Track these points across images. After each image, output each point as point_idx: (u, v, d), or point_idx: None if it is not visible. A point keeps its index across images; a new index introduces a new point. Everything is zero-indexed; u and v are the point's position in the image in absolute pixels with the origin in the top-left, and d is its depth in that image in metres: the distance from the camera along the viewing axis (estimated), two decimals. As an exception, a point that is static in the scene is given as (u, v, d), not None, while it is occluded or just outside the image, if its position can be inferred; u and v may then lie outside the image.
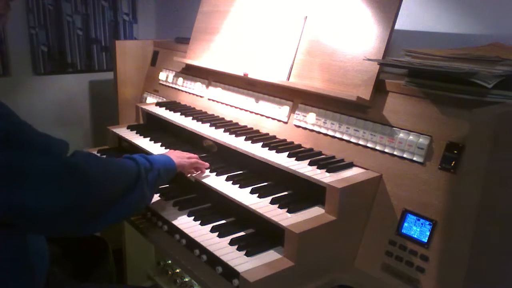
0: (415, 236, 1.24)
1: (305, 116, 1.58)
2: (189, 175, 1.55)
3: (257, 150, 1.51)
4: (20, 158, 0.98)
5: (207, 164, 1.57)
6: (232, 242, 1.30)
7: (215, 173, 1.53)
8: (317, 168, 1.37)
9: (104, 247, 1.76)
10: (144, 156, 1.38)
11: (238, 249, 1.26)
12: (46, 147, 1.03)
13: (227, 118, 1.88)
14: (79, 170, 1.08)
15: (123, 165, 1.29)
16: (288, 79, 1.64)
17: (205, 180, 1.50)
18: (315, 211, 1.30)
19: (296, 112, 1.62)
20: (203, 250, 1.28)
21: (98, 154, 1.93)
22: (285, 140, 1.62)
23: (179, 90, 2.22)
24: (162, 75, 2.35)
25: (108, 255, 1.75)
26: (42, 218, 1.05)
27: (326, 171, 1.35)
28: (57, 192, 1.04)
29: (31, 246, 1.17)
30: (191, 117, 1.87)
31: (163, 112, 1.99)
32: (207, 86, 2.06)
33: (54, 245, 1.44)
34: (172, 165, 1.46)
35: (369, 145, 1.39)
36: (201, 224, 1.41)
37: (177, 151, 1.60)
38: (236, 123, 1.82)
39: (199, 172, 1.55)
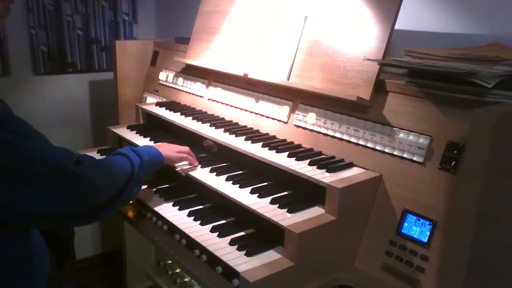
0: (415, 236, 1.24)
1: (305, 116, 1.58)
2: (178, 169, 1.58)
3: (257, 150, 1.51)
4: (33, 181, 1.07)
5: (196, 162, 1.60)
6: (232, 242, 1.30)
7: (215, 173, 1.53)
8: (317, 168, 1.37)
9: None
10: (133, 150, 1.43)
11: (238, 249, 1.27)
12: (58, 165, 1.10)
13: (227, 118, 1.88)
14: (86, 181, 1.16)
15: (121, 169, 1.33)
16: (288, 79, 1.64)
17: (205, 180, 1.50)
18: (315, 211, 1.30)
19: (296, 112, 1.62)
20: (203, 250, 1.28)
21: (98, 154, 1.94)
22: (285, 140, 1.62)
23: (179, 90, 2.22)
24: (162, 75, 2.35)
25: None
26: (44, 218, 1.13)
27: (326, 171, 1.35)
28: (62, 199, 1.12)
29: (34, 249, 1.21)
30: (191, 117, 1.87)
31: (163, 112, 1.99)
32: (207, 86, 2.06)
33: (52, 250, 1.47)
34: (159, 158, 1.50)
35: (369, 145, 1.39)
36: (201, 224, 1.41)
37: (169, 144, 1.63)
38: (236, 123, 1.82)
39: (188, 166, 1.58)
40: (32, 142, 1.08)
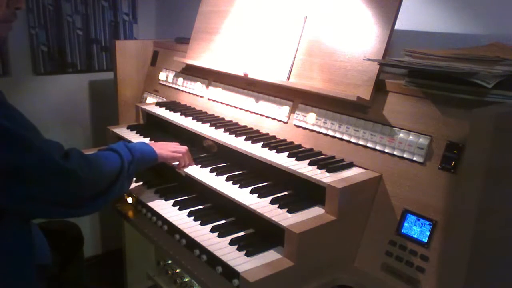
0: (415, 236, 1.24)
1: (305, 116, 1.58)
2: (178, 169, 1.58)
3: (257, 150, 1.51)
4: (25, 161, 1.09)
5: (191, 164, 1.60)
6: (232, 242, 1.30)
7: (215, 173, 1.53)
8: (317, 168, 1.37)
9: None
10: (126, 146, 1.45)
11: (238, 249, 1.27)
12: (47, 156, 1.12)
13: (227, 118, 1.88)
14: (73, 174, 1.18)
15: (110, 165, 1.35)
16: (288, 79, 1.64)
17: (205, 180, 1.50)
18: (315, 211, 1.30)
19: (296, 112, 1.62)
20: (203, 250, 1.28)
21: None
22: (285, 140, 1.62)
23: (179, 90, 2.22)
24: (162, 75, 2.35)
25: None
26: (32, 207, 1.16)
27: (326, 171, 1.35)
28: (52, 190, 1.16)
29: (34, 243, 1.23)
30: (191, 117, 1.87)
31: (163, 112, 1.99)
32: (207, 86, 2.06)
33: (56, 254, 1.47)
34: (152, 155, 1.52)
35: (369, 145, 1.39)
36: (201, 224, 1.41)
37: (167, 143, 1.64)
38: (236, 123, 1.82)
39: (183, 165, 1.59)
40: (26, 131, 1.09)
